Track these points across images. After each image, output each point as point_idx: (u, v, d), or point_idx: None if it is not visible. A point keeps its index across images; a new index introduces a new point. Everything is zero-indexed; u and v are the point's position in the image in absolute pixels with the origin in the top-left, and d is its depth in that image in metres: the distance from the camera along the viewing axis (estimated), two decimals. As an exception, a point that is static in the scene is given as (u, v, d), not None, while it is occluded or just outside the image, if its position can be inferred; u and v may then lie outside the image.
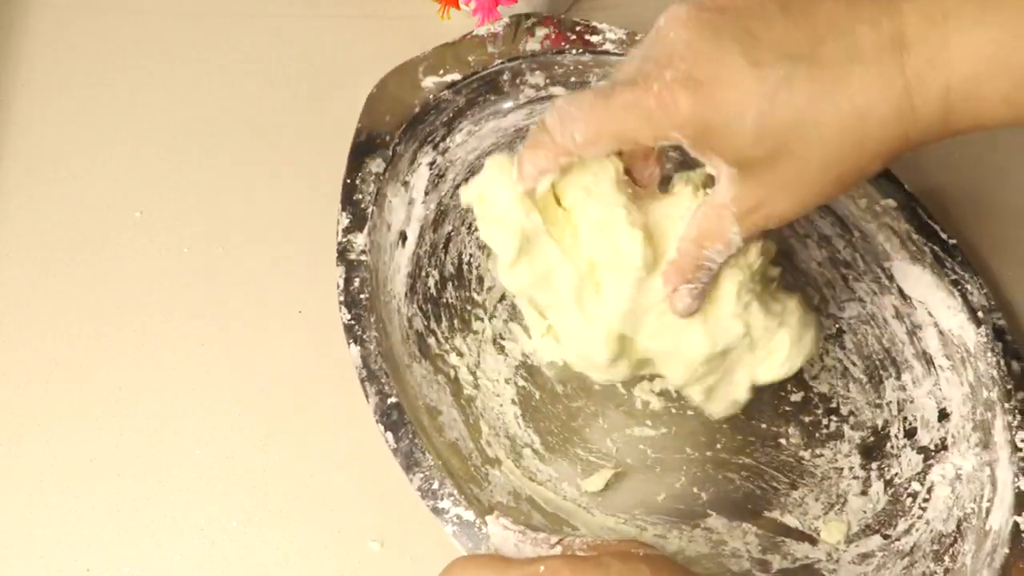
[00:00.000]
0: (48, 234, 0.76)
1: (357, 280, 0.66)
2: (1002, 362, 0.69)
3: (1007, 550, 0.63)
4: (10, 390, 0.70)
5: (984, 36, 0.50)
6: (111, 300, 0.74)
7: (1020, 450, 0.66)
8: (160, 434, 0.69)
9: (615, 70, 0.58)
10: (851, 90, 0.52)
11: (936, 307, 0.72)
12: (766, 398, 0.69)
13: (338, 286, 0.65)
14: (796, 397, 0.70)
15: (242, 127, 0.82)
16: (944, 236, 0.73)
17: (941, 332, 0.72)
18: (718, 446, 0.68)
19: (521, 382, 0.69)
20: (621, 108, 0.56)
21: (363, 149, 0.70)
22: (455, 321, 0.69)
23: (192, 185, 0.79)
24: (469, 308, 0.70)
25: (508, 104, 0.75)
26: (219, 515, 0.66)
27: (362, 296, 0.65)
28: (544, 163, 0.60)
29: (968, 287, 0.71)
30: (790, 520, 0.66)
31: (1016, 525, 0.64)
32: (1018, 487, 0.65)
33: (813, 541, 0.66)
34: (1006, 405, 0.68)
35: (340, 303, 0.65)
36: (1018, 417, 0.67)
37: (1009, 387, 0.68)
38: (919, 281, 0.73)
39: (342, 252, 0.67)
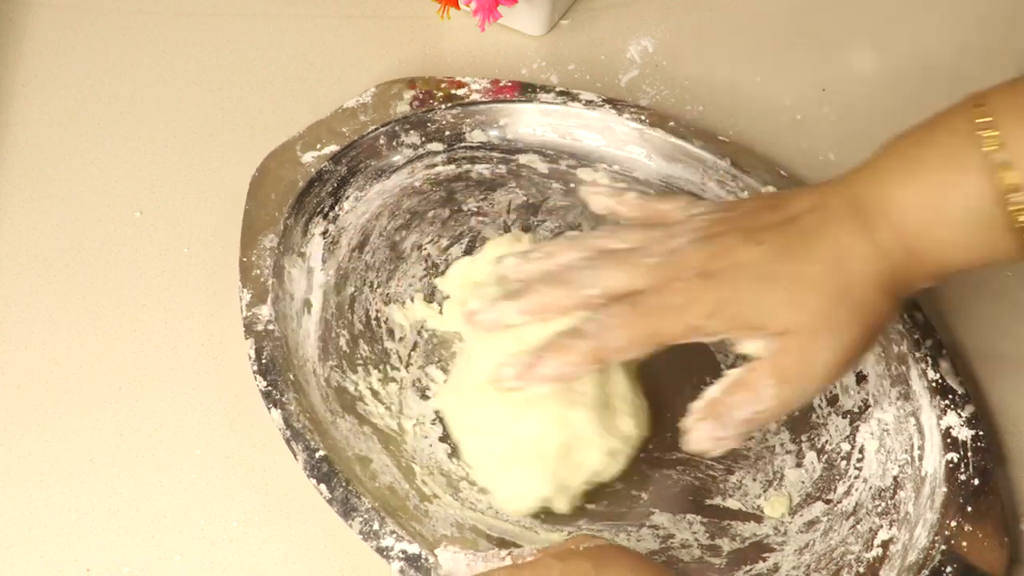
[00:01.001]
0: (48, 234, 0.76)
1: (267, 349, 0.67)
2: (905, 315, 0.71)
3: (945, 489, 0.65)
4: (10, 390, 0.70)
5: (911, 190, 0.61)
6: (111, 300, 0.74)
7: (938, 394, 0.69)
8: (160, 434, 0.69)
9: (609, 237, 0.65)
10: (828, 241, 0.62)
11: None
12: (687, 394, 0.70)
13: (250, 357, 0.67)
14: None
15: (242, 127, 0.82)
16: None
17: None
18: (650, 447, 0.69)
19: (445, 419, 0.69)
20: (654, 311, 0.62)
21: (254, 228, 0.72)
22: (373, 373, 0.70)
23: (192, 185, 0.79)
24: (384, 359, 0.71)
25: (389, 166, 0.78)
26: (219, 515, 0.66)
27: (275, 363, 0.67)
28: (568, 369, 0.63)
29: None
30: (732, 504, 0.67)
31: (948, 464, 0.66)
32: (943, 428, 0.67)
33: (759, 519, 0.67)
34: (916, 355, 0.70)
35: (254, 372, 0.66)
36: (930, 363, 0.70)
37: (916, 337, 0.71)
38: None
39: (249, 325, 0.68)
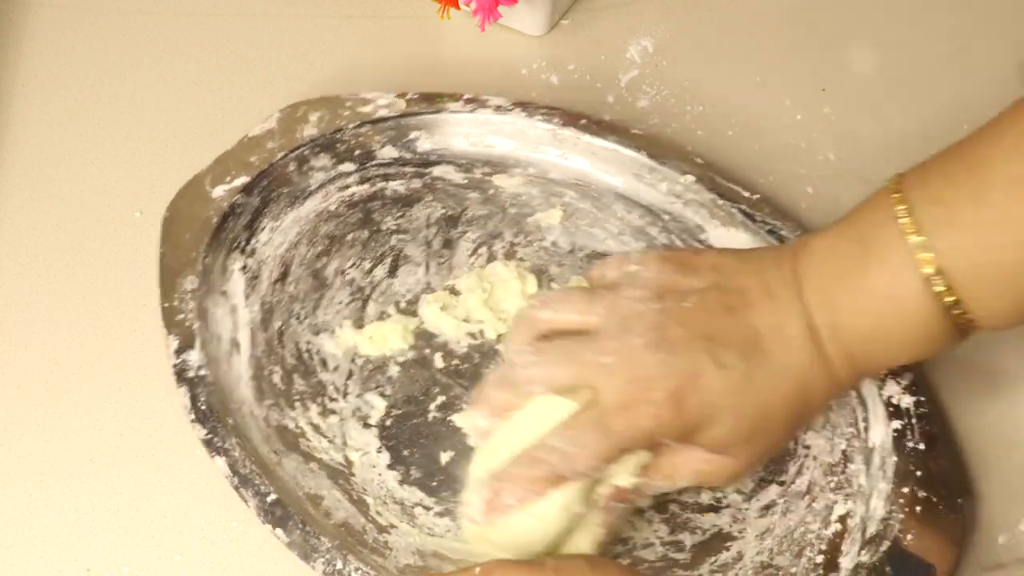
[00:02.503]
0: (48, 234, 0.76)
1: (203, 395, 0.66)
2: None
3: (895, 458, 0.65)
4: (10, 390, 0.70)
5: (852, 303, 0.63)
6: (111, 300, 0.74)
7: None
8: (160, 434, 0.69)
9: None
10: (793, 374, 0.63)
11: None
12: None
13: (185, 406, 0.65)
14: None
15: (242, 127, 0.82)
16: (747, 194, 0.76)
17: None
18: None
19: (390, 446, 0.68)
20: (623, 432, 0.62)
21: (173, 271, 0.70)
22: (311, 408, 0.69)
23: (192, 185, 0.79)
24: (321, 392, 0.70)
25: (302, 192, 0.76)
26: (219, 515, 0.66)
27: (213, 409, 0.65)
28: (531, 494, 0.61)
29: (784, 232, 0.74)
30: (687, 497, 0.67)
31: (894, 432, 0.66)
32: (885, 398, 0.67)
33: (716, 509, 0.67)
34: None
35: (192, 421, 0.65)
36: None
37: None
38: (736, 241, 0.75)
39: (180, 373, 0.66)
